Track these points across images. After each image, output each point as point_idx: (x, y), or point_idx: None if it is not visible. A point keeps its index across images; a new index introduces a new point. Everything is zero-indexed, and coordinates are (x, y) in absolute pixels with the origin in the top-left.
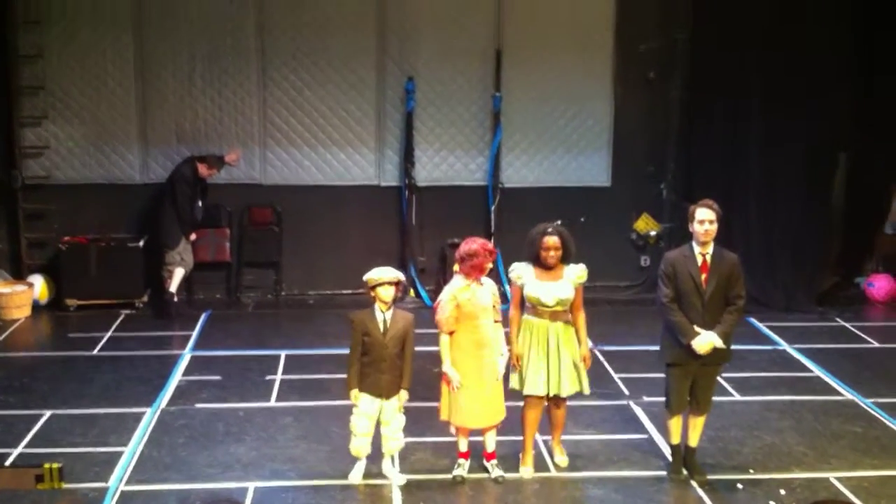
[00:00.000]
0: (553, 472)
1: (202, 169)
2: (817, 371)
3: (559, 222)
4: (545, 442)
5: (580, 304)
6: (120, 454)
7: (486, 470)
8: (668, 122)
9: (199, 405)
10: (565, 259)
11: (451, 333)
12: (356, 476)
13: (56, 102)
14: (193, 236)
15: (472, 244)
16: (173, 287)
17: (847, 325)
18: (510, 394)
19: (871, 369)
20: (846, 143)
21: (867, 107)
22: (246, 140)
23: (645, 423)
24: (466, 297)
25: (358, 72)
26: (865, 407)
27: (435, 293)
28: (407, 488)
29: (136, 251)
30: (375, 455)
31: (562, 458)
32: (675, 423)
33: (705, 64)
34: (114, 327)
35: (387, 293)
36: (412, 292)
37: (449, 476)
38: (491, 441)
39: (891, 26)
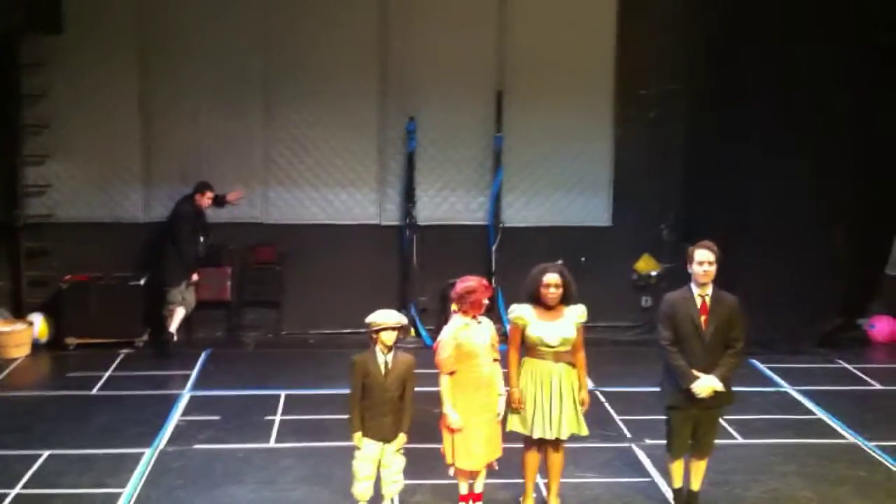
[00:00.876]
0: None
1: (200, 200)
2: (820, 414)
3: (560, 262)
4: (546, 485)
5: (581, 344)
6: (118, 496)
7: None
8: (669, 164)
9: (197, 446)
10: (566, 299)
11: (451, 374)
12: None
13: (60, 141)
14: (196, 277)
15: (469, 281)
16: (173, 327)
17: (849, 366)
18: (507, 435)
19: (873, 412)
20: (848, 184)
21: (866, 147)
22: (248, 179)
23: (647, 466)
24: (466, 335)
25: (360, 112)
26: (869, 451)
27: (435, 333)
28: None
29: (136, 290)
30: (375, 498)
31: None
32: (677, 467)
33: (702, 109)
34: (113, 367)
35: (389, 337)
36: (413, 332)
37: None
38: (480, 483)
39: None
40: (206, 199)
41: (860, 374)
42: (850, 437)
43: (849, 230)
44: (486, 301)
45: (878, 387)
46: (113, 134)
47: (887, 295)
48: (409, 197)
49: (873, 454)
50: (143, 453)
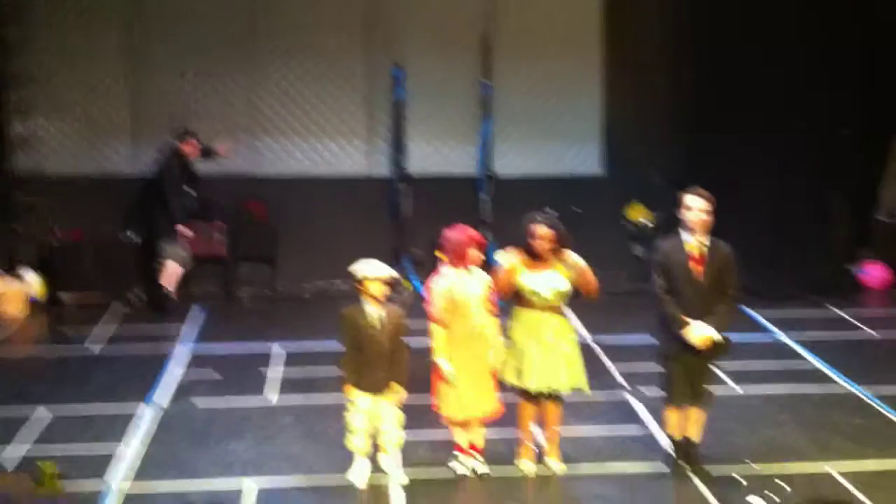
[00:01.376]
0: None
1: (185, 148)
2: (814, 361)
3: (548, 209)
4: (545, 437)
5: (590, 278)
6: (118, 453)
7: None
8: (660, 111)
9: (196, 402)
10: (558, 250)
11: (444, 325)
12: (357, 476)
13: (47, 95)
14: (185, 230)
15: (455, 231)
16: (168, 282)
17: (841, 313)
18: (504, 387)
19: (867, 358)
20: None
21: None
22: (237, 132)
23: (644, 416)
24: (456, 286)
25: (346, 61)
26: (864, 398)
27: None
28: (407, 485)
29: (130, 245)
30: (374, 453)
31: (558, 465)
32: (675, 416)
33: (696, 54)
34: (108, 323)
35: (377, 290)
36: (406, 284)
37: (448, 472)
38: (479, 435)
39: None
40: (190, 147)
41: (852, 321)
42: (846, 384)
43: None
44: (474, 253)
45: (871, 333)
46: (99, 87)
47: (878, 241)
48: (398, 147)
49: (869, 401)
50: (141, 410)
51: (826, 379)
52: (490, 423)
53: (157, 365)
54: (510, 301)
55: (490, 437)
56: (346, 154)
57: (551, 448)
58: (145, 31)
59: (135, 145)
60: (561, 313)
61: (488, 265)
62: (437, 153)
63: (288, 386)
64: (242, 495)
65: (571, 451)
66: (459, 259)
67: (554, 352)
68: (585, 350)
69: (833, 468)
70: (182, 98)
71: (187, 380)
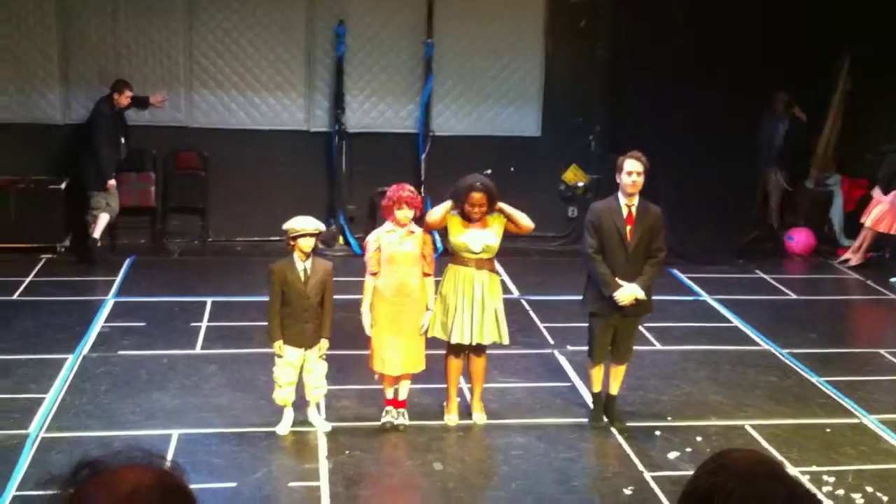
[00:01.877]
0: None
1: (118, 99)
2: (736, 322)
3: (488, 172)
4: (469, 390)
5: (520, 221)
6: (41, 401)
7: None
8: (597, 75)
9: (121, 352)
10: (490, 210)
11: (374, 275)
12: (284, 428)
13: None
14: (112, 183)
15: (392, 187)
16: (97, 232)
17: (766, 276)
18: (430, 342)
19: (787, 320)
20: (767, 97)
21: (788, 60)
22: (171, 81)
23: (568, 371)
24: (389, 240)
25: (287, 14)
26: (781, 357)
27: (363, 241)
28: (332, 435)
29: (57, 193)
30: (299, 403)
31: (480, 416)
32: (597, 372)
33: (630, 18)
34: (34, 272)
35: (307, 244)
36: (341, 240)
37: (373, 423)
38: (404, 390)
39: None
40: (124, 99)
41: (776, 284)
42: (764, 344)
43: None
44: (400, 212)
45: (793, 296)
46: (29, 32)
47: (805, 207)
48: (338, 103)
49: (785, 360)
50: (66, 359)
51: (745, 339)
52: (418, 377)
53: (83, 315)
54: (444, 257)
55: (419, 390)
56: (284, 108)
57: (474, 400)
58: None
59: (65, 93)
60: (492, 269)
61: (424, 221)
62: (375, 110)
63: (214, 337)
64: (165, 441)
65: (496, 405)
66: (387, 213)
67: (479, 306)
68: (516, 307)
69: (748, 423)
70: (115, 46)
71: (113, 330)
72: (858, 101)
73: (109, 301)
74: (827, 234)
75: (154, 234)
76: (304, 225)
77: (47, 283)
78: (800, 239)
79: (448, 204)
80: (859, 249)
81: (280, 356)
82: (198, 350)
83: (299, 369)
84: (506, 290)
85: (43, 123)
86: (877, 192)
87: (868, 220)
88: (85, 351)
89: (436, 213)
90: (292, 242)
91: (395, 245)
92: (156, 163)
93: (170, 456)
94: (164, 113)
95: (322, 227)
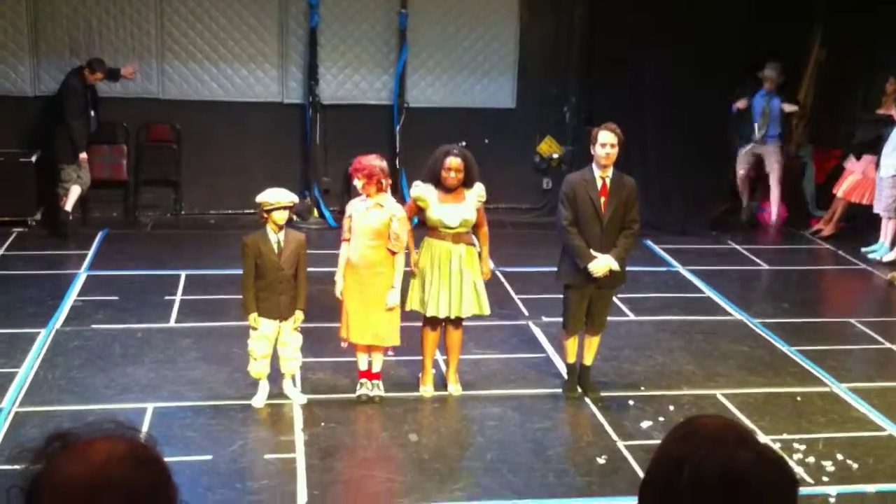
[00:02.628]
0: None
1: (88, 75)
2: (708, 292)
3: (463, 144)
4: (445, 362)
5: (483, 221)
6: (13, 375)
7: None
8: (572, 47)
9: (95, 326)
10: (468, 182)
11: (346, 241)
12: (259, 400)
13: None
14: (84, 155)
15: (365, 158)
16: (69, 205)
17: (739, 247)
18: (406, 315)
19: (759, 291)
20: (740, 67)
21: (761, 31)
22: (143, 53)
23: (543, 342)
24: (357, 210)
25: None
26: (752, 327)
27: (339, 213)
28: (307, 407)
29: (28, 167)
30: (275, 376)
31: (455, 388)
32: (572, 343)
33: None
34: (5, 246)
35: (281, 216)
36: (315, 213)
37: (348, 395)
38: (377, 362)
39: None
40: (95, 77)
41: (748, 255)
42: (736, 314)
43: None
44: (360, 182)
45: (765, 267)
46: None
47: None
48: (311, 75)
49: (757, 330)
50: (38, 333)
51: (717, 309)
52: (395, 349)
53: (56, 289)
54: (422, 230)
55: (395, 362)
56: (257, 80)
57: (450, 372)
58: None
59: (35, 65)
60: (469, 243)
61: (399, 195)
62: (350, 81)
63: (189, 310)
64: (140, 415)
65: (471, 376)
66: (369, 185)
67: (457, 279)
68: (491, 279)
69: (720, 393)
70: (85, 17)
71: (86, 304)
72: (831, 72)
73: (82, 275)
74: (799, 205)
75: (126, 208)
76: (279, 198)
77: (19, 257)
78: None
79: (410, 202)
80: (831, 220)
81: (255, 328)
82: (172, 324)
83: (274, 342)
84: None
85: (13, 96)
86: (849, 163)
87: (840, 190)
88: (58, 325)
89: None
90: (266, 215)
91: (359, 215)
92: (128, 135)
93: (145, 429)
94: (136, 85)
95: (296, 199)
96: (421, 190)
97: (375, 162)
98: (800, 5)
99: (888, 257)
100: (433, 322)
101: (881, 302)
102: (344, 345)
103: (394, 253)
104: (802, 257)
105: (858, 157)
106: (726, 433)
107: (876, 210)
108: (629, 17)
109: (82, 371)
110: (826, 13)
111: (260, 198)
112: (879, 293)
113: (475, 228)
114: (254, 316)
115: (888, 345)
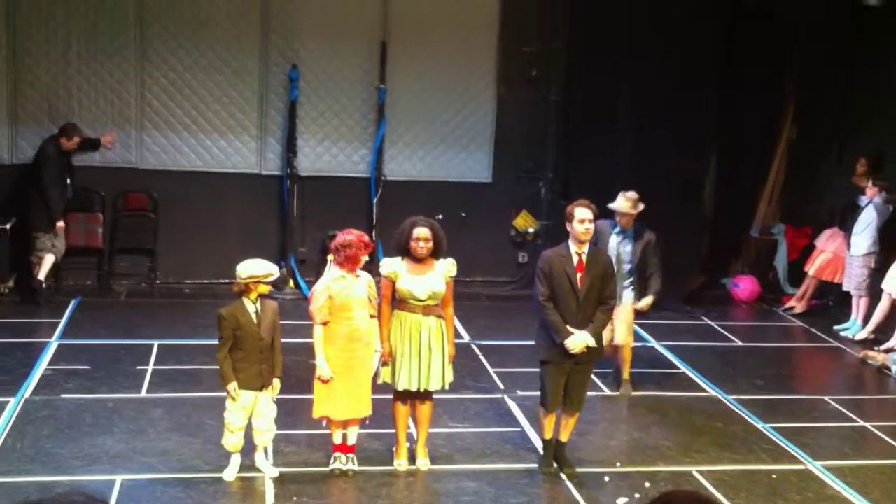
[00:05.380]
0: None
1: (64, 142)
2: (683, 368)
3: (440, 217)
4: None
5: (450, 298)
6: None
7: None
8: (548, 122)
9: (65, 395)
10: (436, 253)
11: (324, 325)
12: (231, 473)
13: None
14: (61, 224)
15: (348, 235)
16: (42, 274)
17: (713, 323)
18: (379, 388)
19: (733, 367)
20: (714, 144)
21: (734, 107)
22: (122, 123)
23: (518, 416)
24: (340, 287)
25: (240, 58)
26: (727, 403)
27: (314, 284)
28: (280, 481)
29: (2, 234)
30: (247, 449)
31: (424, 462)
32: (549, 419)
33: (580, 69)
34: None
35: (266, 288)
36: (291, 283)
37: (321, 469)
38: (352, 435)
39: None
40: (71, 143)
41: (722, 331)
42: (711, 390)
43: (714, 193)
44: (363, 258)
45: (739, 343)
46: None
47: (750, 255)
48: (290, 147)
49: (731, 406)
50: (7, 402)
51: (692, 385)
52: (368, 423)
53: (26, 357)
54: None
55: (368, 435)
56: (236, 150)
57: (419, 446)
58: (27, 14)
59: (13, 133)
60: (439, 315)
61: (375, 267)
62: (328, 154)
63: (161, 381)
64: (109, 487)
65: (446, 449)
66: (348, 262)
67: (426, 352)
68: (466, 352)
69: (695, 469)
70: (66, 86)
71: (56, 372)
72: (802, 150)
73: (53, 343)
74: (771, 282)
75: (101, 276)
76: (268, 270)
77: None
78: (745, 286)
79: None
80: (803, 297)
81: (234, 399)
82: (143, 394)
83: (250, 413)
84: (456, 334)
85: None
86: (820, 241)
87: (811, 268)
88: (27, 394)
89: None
90: (252, 286)
91: (347, 291)
92: (104, 203)
93: (113, 502)
94: (115, 154)
95: (276, 271)
96: (390, 265)
97: (353, 240)
98: (773, 83)
99: (860, 335)
100: (403, 395)
101: (854, 379)
102: (324, 423)
103: (373, 317)
104: (776, 334)
105: (830, 225)
106: None
107: (846, 288)
108: (605, 95)
109: (51, 441)
110: (798, 92)
111: (247, 270)
112: (852, 370)
113: (442, 306)
114: (233, 385)
115: (862, 422)
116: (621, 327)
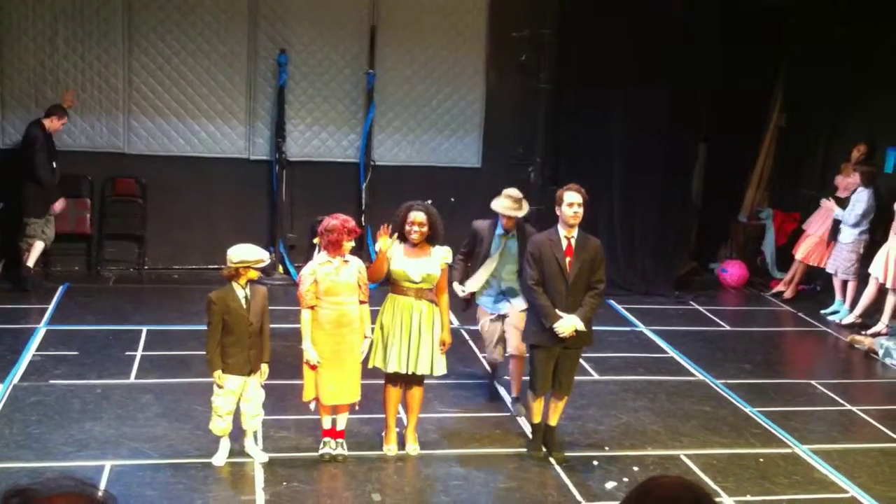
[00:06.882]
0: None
1: (50, 123)
2: (672, 353)
3: (429, 202)
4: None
5: (445, 286)
6: None
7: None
8: (538, 108)
9: (54, 381)
10: (432, 239)
11: (312, 308)
12: (220, 458)
13: None
14: (59, 204)
15: (333, 220)
16: (31, 261)
17: (701, 308)
18: (369, 373)
19: (721, 351)
20: (705, 134)
21: (726, 99)
22: (110, 108)
23: (507, 401)
24: (326, 272)
25: (229, 42)
26: (715, 387)
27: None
28: (269, 466)
29: None
30: (236, 434)
31: (413, 447)
32: (538, 403)
33: (571, 55)
34: None
35: (256, 273)
36: (280, 269)
37: (311, 454)
38: (342, 420)
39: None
40: (58, 125)
41: (710, 316)
42: (699, 374)
43: (703, 179)
44: (347, 244)
45: (727, 328)
46: None
47: (738, 240)
48: (279, 132)
49: (720, 391)
50: None
51: (681, 369)
52: (358, 408)
53: (14, 343)
54: (384, 285)
55: (358, 420)
56: (224, 135)
57: (409, 431)
58: None
59: (2, 118)
60: (431, 300)
61: (364, 253)
62: (317, 139)
63: (150, 366)
64: (98, 472)
65: (435, 434)
66: (333, 247)
67: (416, 335)
68: (455, 337)
69: (683, 453)
70: (53, 71)
71: (45, 358)
72: (791, 136)
73: (41, 329)
74: (760, 267)
75: (89, 262)
76: (260, 256)
77: None
78: (733, 271)
79: (381, 252)
80: (791, 282)
81: (220, 386)
82: (132, 380)
83: (238, 398)
84: None
85: None
86: (808, 226)
87: (799, 253)
88: (15, 380)
89: (379, 268)
90: (243, 271)
91: (332, 276)
92: (92, 189)
93: (102, 487)
94: (102, 139)
95: (266, 256)
96: (385, 242)
97: (337, 224)
98: (764, 63)
99: (847, 320)
100: (394, 379)
101: (841, 363)
102: (312, 406)
103: (362, 303)
104: (764, 319)
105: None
106: (682, 494)
107: (829, 270)
108: (595, 81)
109: (40, 427)
110: (788, 76)
111: (239, 255)
112: (840, 355)
113: (436, 292)
114: (218, 373)
115: (849, 406)
116: (514, 334)
